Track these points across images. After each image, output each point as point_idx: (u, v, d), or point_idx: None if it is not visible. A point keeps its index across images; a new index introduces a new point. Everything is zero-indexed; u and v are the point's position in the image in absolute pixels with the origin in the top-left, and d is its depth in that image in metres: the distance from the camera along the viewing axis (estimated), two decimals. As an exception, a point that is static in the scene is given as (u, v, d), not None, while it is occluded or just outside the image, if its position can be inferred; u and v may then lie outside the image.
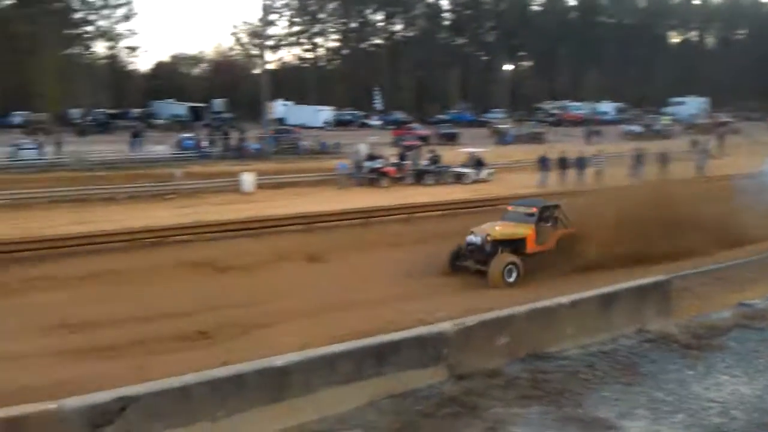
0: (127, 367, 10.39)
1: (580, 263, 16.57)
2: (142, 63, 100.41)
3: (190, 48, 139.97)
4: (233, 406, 5.38)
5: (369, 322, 11.90)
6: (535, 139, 53.18)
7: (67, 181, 29.78)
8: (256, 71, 68.79)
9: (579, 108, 75.71)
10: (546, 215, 18.23)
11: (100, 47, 75.81)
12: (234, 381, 5.51)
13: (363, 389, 6.06)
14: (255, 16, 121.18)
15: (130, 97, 69.07)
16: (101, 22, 73.39)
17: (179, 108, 63.24)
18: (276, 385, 5.67)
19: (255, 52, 76.98)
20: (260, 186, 30.65)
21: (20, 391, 9.07)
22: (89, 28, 73.12)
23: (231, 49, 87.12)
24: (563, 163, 32.70)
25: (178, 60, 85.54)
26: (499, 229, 17.64)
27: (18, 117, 54.87)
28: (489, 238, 17.08)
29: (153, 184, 29.55)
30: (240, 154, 39.92)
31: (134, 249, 19.25)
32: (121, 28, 74.91)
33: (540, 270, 16.90)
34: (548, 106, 77.47)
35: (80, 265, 17.67)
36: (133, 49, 78.00)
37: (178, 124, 53.94)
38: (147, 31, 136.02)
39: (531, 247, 17.54)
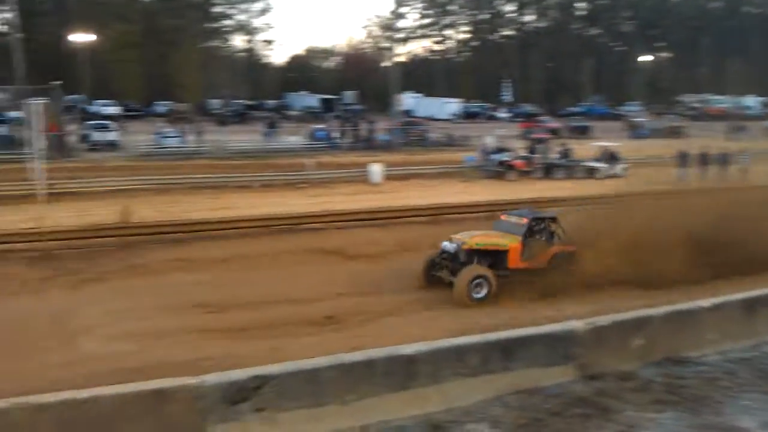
0: (260, 348, 10.72)
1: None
2: (278, 56, 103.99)
3: (323, 41, 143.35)
4: (365, 390, 5.47)
5: (491, 317, 11.79)
6: (673, 133, 51.01)
7: (206, 168, 31.37)
8: (387, 64, 69.71)
9: (721, 102, 71.73)
10: (538, 228, 15.90)
11: (238, 40, 79.55)
12: (365, 366, 5.60)
13: (490, 383, 6.03)
14: (387, 9, 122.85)
15: (266, 89, 71.63)
16: (239, 16, 76.86)
17: (312, 100, 64.87)
18: (403, 372, 5.73)
19: (386, 44, 78.01)
20: (388, 177, 31.04)
21: (161, 365, 9.49)
22: (228, 22, 76.70)
23: (362, 42, 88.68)
24: (704, 159, 31.05)
25: (311, 53, 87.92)
26: (477, 237, 15.59)
27: (161, 107, 57.65)
28: (464, 246, 15.17)
29: (286, 173, 30.62)
30: (369, 145, 40.66)
31: (268, 235, 19.89)
32: (258, 22, 78.24)
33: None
34: (689, 99, 73.88)
35: (217, 248, 18.39)
36: (269, 42, 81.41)
37: (310, 115, 55.41)
38: (282, 25, 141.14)
39: (514, 262, 15.31)
